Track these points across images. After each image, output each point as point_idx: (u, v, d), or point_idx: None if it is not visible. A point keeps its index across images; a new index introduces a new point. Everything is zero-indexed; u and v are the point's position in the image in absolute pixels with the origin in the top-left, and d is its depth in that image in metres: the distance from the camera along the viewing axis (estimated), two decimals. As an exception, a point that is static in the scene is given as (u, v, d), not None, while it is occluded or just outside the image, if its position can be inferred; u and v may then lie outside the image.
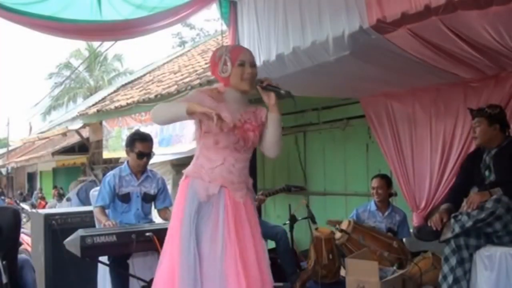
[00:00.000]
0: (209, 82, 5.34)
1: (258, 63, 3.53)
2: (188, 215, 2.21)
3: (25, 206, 9.84)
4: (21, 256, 3.04)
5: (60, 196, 12.11)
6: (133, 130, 5.68)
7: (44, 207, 11.92)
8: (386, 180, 4.03)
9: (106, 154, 7.92)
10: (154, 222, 3.55)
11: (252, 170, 2.57)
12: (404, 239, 3.96)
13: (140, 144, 3.42)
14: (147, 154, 3.45)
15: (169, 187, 5.02)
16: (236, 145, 2.28)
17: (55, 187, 14.48)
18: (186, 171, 2.34)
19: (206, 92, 2.35)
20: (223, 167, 2.26)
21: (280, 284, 3.76)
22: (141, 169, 3.48)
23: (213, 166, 2.27)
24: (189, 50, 11.33)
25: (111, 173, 3.50)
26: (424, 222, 4.02)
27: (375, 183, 4.01)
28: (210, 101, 2.26)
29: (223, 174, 2.26)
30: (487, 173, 3.03)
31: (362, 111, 4.58)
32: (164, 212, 3.57)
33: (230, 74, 2.30)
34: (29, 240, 5.26)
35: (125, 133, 6.97)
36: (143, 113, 6.69)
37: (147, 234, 2.89)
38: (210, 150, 2.29)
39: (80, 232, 2.83)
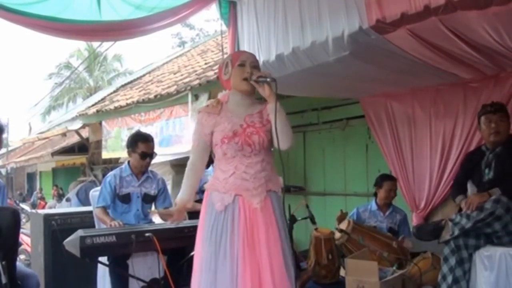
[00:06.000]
0: (209, 83, 5.35)
1: (258, 63, 3.54)
2: (209, 228, 2.27)
3: (24, 206, 9.84)
4: (31, 271, 3.03)
5: (60, 196, 12.12)
6: (132, 131, 5.69)
7: (43, 207, 11.92)
8: (396, 181, 4.03)
9: (105, 154, 7.92)
10: (153, 222, 3.54)
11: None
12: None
13: (143, 144, 3.42)
14: (150, 155, 3.45)
15: (169, 188, 5.02)
16: (242, 151, 2.28)
17: (55, 185, 14.50)
18: (206, 185, 2.40)
19: (205, 110, 2.40)
20: (236, 175, 2.28)
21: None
22: (143, 170, 3.49)
23: (226, 177, 2.30)
24: (188, 50, 11.33)
25: (111, 173, 3.49)
26: (423, 222, 4.03)
27: (390, 185, 3.90)
28: (209, 120, 2.34)
29: (237, 183, 2.27)
30: (486, 171, 3.00)
31: (361, 112, 4.58)
32: (164, 213, 3.57)
33: (231, 76, 2.34)
34: (28, 241, 5.26)
35: (125, 134, 6.96)
36: (142, 113, 6.68)
37: (147, 234, 2.89)
38: (221, 161, 2.34)
39: (80, 232, 2.82)
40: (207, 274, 2.22)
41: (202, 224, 2.33)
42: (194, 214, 3.87)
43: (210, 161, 2.53)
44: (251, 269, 2.17)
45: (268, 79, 2.25)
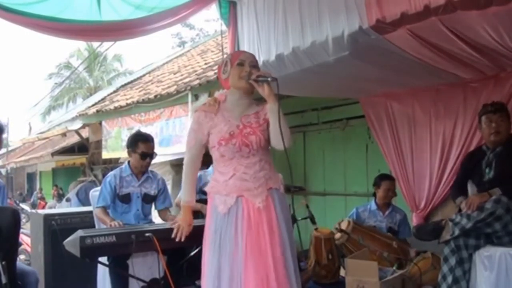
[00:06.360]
0: (209, 82, 5.36)
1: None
2: (213, 232, 2.27)
3: (24, 206, 9.84)
4: (30, 268, 3.04)
5: (60, 197, 12.13)
6: (133, 131, 5.68)
7: (43, 207, 11.93)
8: (394, 181, 4.03)
9: (105, 155, 7.92)
10: (154, 222, 3.54)
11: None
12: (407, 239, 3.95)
13: (143, 144, 3.42)
14: (150, 155, 3.45)
15: (169, 187, 5.01)
16: (240, 153, 2.28)
17: (55, 185, 14.50)
18: (207, 187, 2.40)
19: (202, 109, 2.39)
20: (236, 177, 2.28)
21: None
22: (143, 170, 3.49)
23: (226, 179, 2.30)
24: (188, 50, 11.33)
25: (111, 173, 3.49)
26: (423, 222, 4.03)
27: (388, 185, 3.93)
28: (206, 120, 2.34)
29: (237, 184, 2.27)
30: (487, 170, 3.00)
31: (361, 112, 4.58)
32: (164, 213, 3.57)
33: (229, 75, 2.34)
34: (28, 241, 5.27)
35: (125, 134, 6.96)
36: (142, 113, 6.69)
37: (147, 234, 2.88)
38: (219, 163, 2.34)
39: (80, 232, 2.82)
40: (211, 276, 2.22)
41: (208, 227, 2.33)
42: (194, 214, 3.88)
43: (210, 161, 2.53)
44: (255, 269, 2.16)
45: (268, 79, 2.25)
